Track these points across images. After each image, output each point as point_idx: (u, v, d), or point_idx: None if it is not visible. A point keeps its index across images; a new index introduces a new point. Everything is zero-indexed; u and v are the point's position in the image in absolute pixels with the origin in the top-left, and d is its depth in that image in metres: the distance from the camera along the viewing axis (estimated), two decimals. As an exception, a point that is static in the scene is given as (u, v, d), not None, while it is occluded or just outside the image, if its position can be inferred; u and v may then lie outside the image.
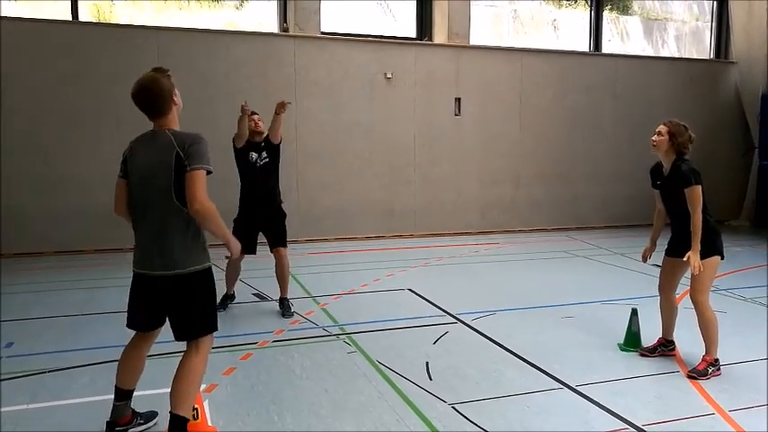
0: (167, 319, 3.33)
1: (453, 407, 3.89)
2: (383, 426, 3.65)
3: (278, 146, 5.99)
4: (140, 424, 3.51)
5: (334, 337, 5.29)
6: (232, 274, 6.12)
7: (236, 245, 3.40)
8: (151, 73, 3.20)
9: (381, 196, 10.74)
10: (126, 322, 3.41)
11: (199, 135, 3.18)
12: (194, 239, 3.20)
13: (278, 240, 5.98)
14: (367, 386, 4.22)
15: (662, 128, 4.52)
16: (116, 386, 3.42)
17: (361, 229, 10.59)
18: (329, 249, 9.60)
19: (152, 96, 3.15)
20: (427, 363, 4.64)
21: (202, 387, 3.95)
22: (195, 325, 3.27)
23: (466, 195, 11.24)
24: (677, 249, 4.54)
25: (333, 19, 10.58)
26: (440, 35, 11.10)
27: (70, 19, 9.40)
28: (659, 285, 4.83)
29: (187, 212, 3.09)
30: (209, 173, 3.12)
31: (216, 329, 3.37)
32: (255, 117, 6.01)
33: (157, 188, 3.12)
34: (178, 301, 3.23)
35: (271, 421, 3.71)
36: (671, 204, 4.59)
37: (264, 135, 5.96)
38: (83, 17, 9.54)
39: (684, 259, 4.37)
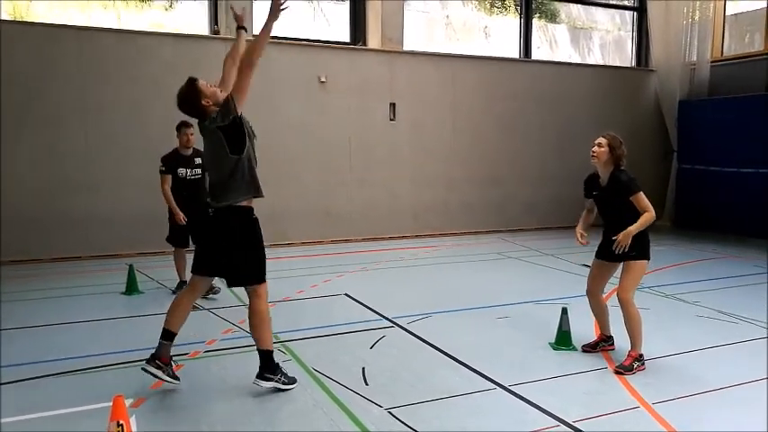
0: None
1: (389, 411, 3.88)
2: (318, 433, 3.60)
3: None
4: (169, 373, 4.10)
5: (269, 344, 5.19)
6: (180, 262, 6.71)
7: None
8: (182, 86, 3.94)
9: (317, 200, 10.63)
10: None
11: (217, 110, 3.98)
12: (241, 181, 4.28)
13: None
14: (302, 394, 4.15)
15: (602, 140, 4.67)
16: (164, 328, 4.13)
17: (297, 235, 10.45)
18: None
19: (185, 109, 4.01)
20: (363, 368, 4.62)
21: (129, 402, 3.81)
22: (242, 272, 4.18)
23: (401, 199, 11.29)
24: (607, 252, 4.68)
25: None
26: (373, 40, 11.13)
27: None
28: (587, 288, 4.98)
29: (237, 158, 4.19)
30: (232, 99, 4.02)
31: (263, 280, 4.17)
32: (189, 131, 6.42)
33: (218, 150, 4.10)
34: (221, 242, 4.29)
35: (202, 434, 3.60)
36: (608, 212, 4.74)
37: (192, 149, 6.52)
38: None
39: (615, 237, 4.46)
